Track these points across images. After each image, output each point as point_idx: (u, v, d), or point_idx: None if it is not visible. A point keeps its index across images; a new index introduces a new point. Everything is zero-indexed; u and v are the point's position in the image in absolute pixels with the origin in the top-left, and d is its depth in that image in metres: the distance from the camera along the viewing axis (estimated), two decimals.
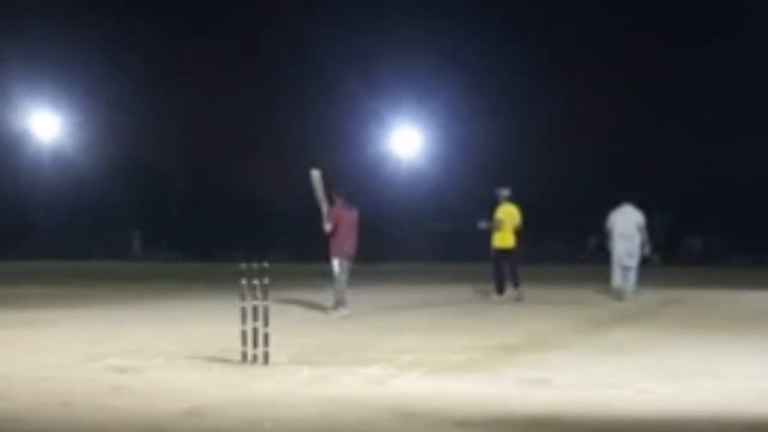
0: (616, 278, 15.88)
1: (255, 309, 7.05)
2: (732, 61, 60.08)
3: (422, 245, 49.95)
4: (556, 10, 67.84)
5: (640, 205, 16.03)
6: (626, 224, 15.79)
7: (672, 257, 50.80)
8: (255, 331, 7.04)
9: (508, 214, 15.47)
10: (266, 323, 7.04)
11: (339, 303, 12.36)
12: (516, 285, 15.43)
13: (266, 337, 7.05)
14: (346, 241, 12.36)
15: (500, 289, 15.36)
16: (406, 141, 38.04)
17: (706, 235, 59.09)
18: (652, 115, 66.59)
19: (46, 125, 39.32)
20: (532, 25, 71.38)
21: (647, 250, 15.97)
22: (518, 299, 15.03)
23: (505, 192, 15.68)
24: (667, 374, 6.79)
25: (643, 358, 7.76)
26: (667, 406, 5.55)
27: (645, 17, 68.12)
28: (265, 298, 7.08)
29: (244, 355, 7.10)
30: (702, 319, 12.26)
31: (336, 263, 12.41)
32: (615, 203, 16.14)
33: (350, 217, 12.42)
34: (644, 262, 16.35)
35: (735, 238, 56.93)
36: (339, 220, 12.28)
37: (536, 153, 65.11)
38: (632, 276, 15.82)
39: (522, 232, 15.65)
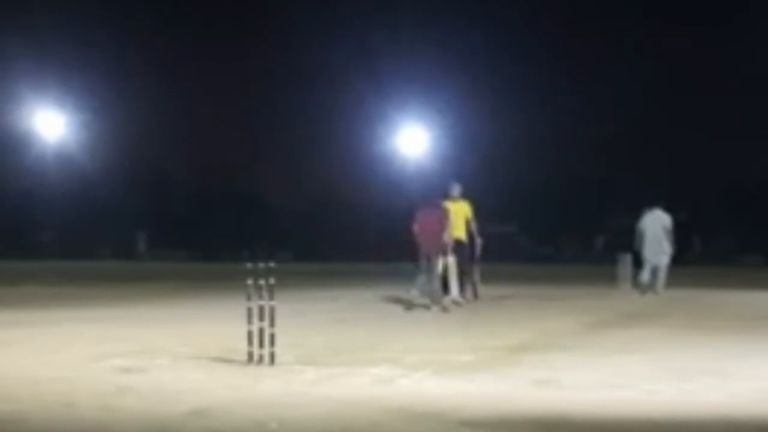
0: (645, 274, 17.50)
1: (261, 309, 7.02)
2: (742, 62, 60.07)
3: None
4: (563, 10, 67.91)
5: (668, 209, 17.87)
6: (655, 227, 17.59)
7: (681, 257, 50.74)
8: (261, 331, 7.02)
9: (452, 212, 14.07)
10: (272, 323, 7.02)
11: (434, 299, 13.24)
12: (460, 289, 14.29)
13: (272, 337, 7.02)
14: (424, 240, 13.31)
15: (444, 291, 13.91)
16: (412, 140, 37.91)
17: (715, 235, 59.01)
18: (661, 115, 66.66)
19: (52, 125, 39.25)
20: (539, 25, 71.51)
21: (674, 248, 17.57)
22: (445, 308, 13.24)
23: (454, 190, 14.67)
24: (674, 374, 6.75)
25: (651, 358, 7.72)
26: (675, 407, 5.51)
27: (654, 18, 68.17)
28: (271, 298, 7.05)
29: (250, 356, 7.07)
30: (710, 319, 12.22)
31: (420, 261, 13.37)
32: (644, 208, 17.96)
33: (428, 218, 13.31)
34: (674, 261, 18.03)
35: (745, 237, 56.84)
36: (418, 222, 13.38)
37: (543, 153, 65.20)
38: (662, 273, 17.51)
39: (473, 230, 14.78)
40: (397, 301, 14.36)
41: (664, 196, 19.75)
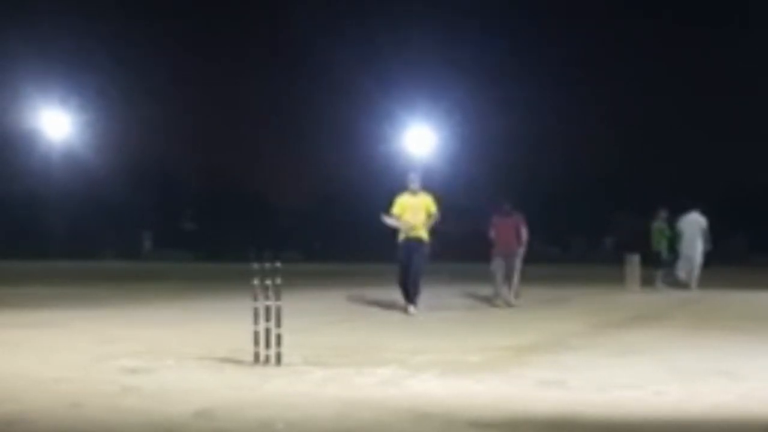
0: (682, 273, 19.65)
1: (267, 309, 6.99)
2: (747, 61, 59.99)
3: (434, 246, 49.90)
4: (568, 11, 67.86)
5: (703, 212, 20.07)
6: (692, 229, 19.74)
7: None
8: (267, 331, 6.99)
9: (411, 207, 12.86)
10: (279, 324, 6.99)
11: (495, 294, 14.68)
12: (411, 300, 12.87)
13: (279, 337, 7.00)
14: (500, 243, 14.79)
15: (406, 294, 12.91)
16: (419, 140, 37.85)
17: (725, 235, 58.87)
18: (669, 115, 66.66)
19: (57, 124, 39.30)
20: (545, 25, 71.54)
21: (709, 246, 19.82)
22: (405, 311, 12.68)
23: (413, 183, 12.94)
24: (682, 375, 6.71)
25: (659, 358, 7.68)
26: (683, 407, 5.47)
27: (654, 18, 68.19)
28: (277, 298, 7.02)
29: (257, 356, 7.04)
30: (718, 319, 12.18)
31: (493, 261, 14.73)
32: (683, 210, 20.13)
33: (504, 224, 14.85)
34: (707, 262, 20.02)
35: (756, 237, 56.68)
36: (495, 227, 14.90)
37: (549, 153, 65.16)
38: (696, 270, 19.68)
39: (434, 226, 13.05)
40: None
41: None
